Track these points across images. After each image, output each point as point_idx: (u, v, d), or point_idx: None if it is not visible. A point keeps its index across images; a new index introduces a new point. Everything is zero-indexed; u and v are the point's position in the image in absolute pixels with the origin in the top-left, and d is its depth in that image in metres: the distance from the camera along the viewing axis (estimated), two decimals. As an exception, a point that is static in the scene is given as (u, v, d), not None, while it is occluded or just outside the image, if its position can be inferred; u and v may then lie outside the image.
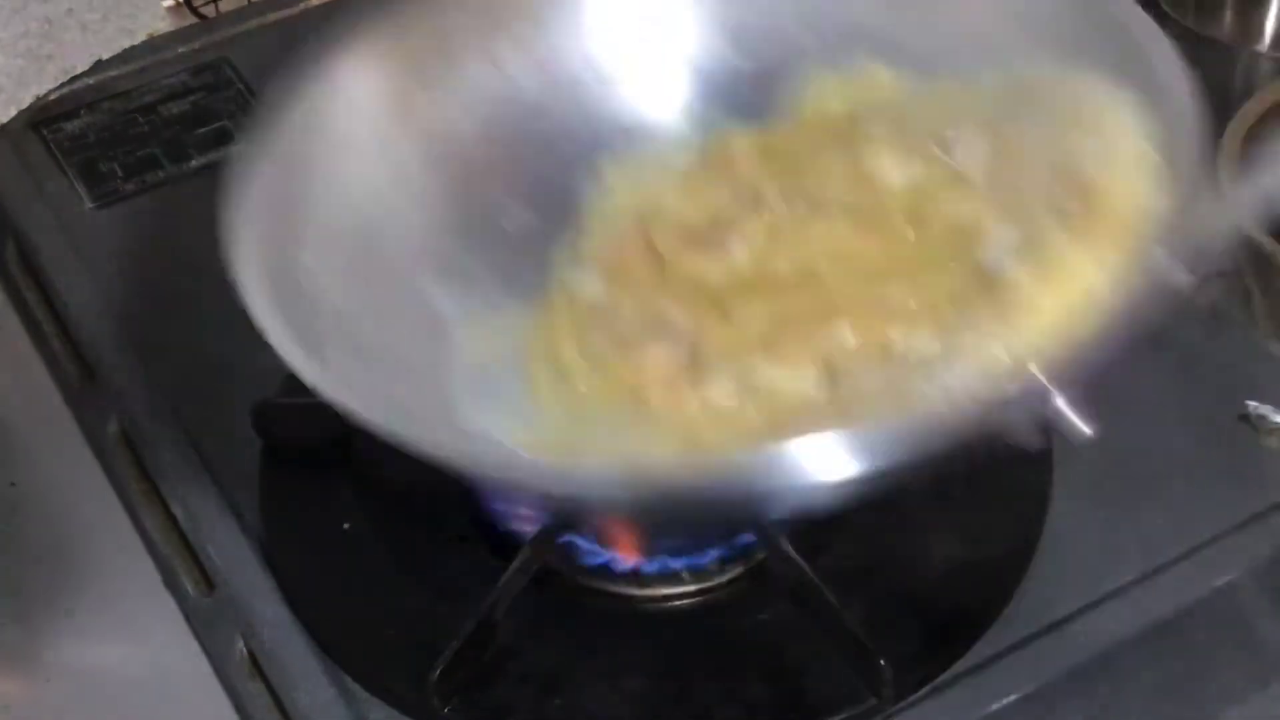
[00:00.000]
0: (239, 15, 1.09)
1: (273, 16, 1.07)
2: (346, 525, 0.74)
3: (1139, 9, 0.69)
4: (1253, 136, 0.83)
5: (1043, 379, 0.59)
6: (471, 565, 0.75)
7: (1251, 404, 0.81)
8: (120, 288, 0.90)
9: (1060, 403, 0.60)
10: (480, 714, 0.70)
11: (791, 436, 0.57)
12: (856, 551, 0.74)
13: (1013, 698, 0.71)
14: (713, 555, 0.74)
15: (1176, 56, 0.66)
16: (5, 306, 0.93)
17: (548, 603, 0.73)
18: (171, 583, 0.78)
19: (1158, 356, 0.66)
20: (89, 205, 0.95)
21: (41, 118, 1.00)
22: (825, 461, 0.57)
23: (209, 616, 0.76)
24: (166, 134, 0.99)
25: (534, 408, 0.69)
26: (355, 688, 0.72)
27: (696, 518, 0.70)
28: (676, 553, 0.73)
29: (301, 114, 0.70)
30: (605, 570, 0.74)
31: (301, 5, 1.08)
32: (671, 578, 0.74)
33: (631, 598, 0.74)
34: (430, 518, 0.76)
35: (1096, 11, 0.70)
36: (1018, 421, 0.61)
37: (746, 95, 0.78)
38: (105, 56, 1.04)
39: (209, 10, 1.12)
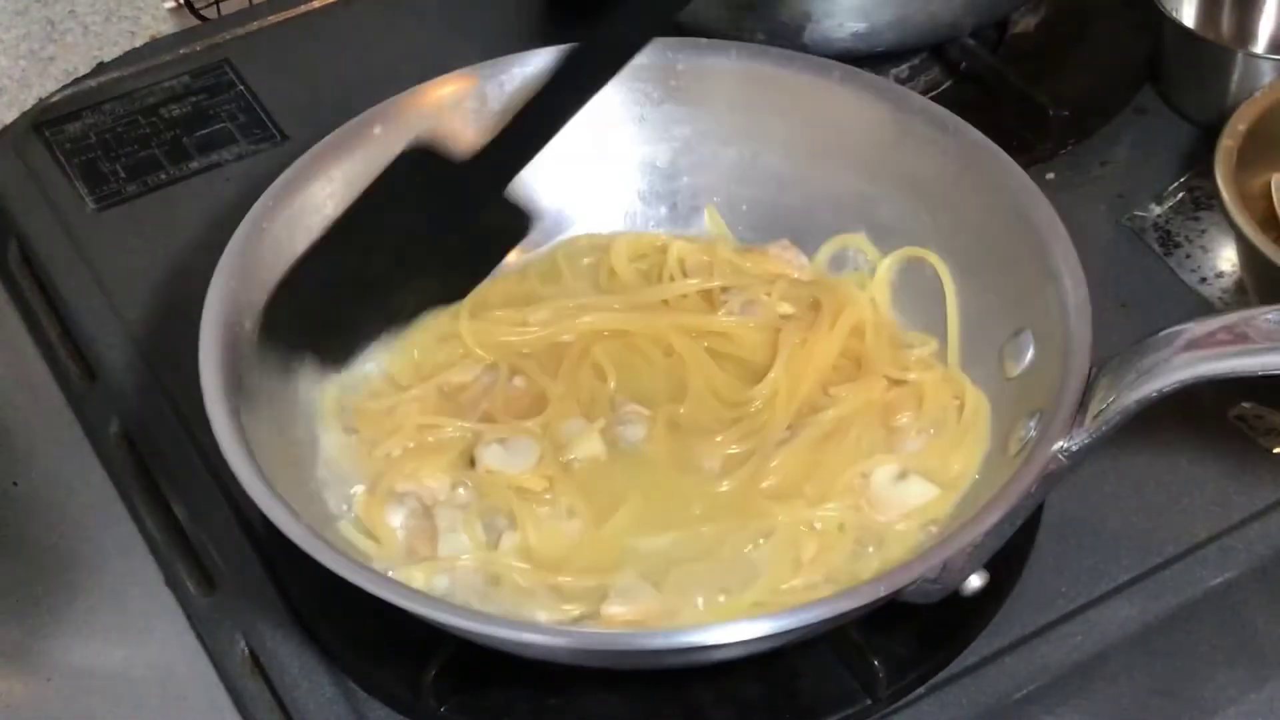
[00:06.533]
0: (240, 17, 1.09)
1: (274, 18, 1.08)
2: (346, 525, 0.74)
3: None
4: (1249, 138, 0.83)
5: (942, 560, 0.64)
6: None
7: (1247, 405, 0.81)
8: (122, 289, 0.90)
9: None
10: (477, 714, 0.70)
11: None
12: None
13: (1008, 699, 0.71)
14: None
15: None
16: (7, 307, 0.93)
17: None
18: (173, 582, 0.79)
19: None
20: (91, 206, 0.96)
21: (43, 119, 1.01)
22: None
23: (210, 616, 0.77)
24: (168, 135, 0.99)
25: None
26: (354, 687, 0.72)
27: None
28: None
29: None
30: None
31: (303, 7, 1.08)
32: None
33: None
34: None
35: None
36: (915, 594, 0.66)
37: None
38: (107, 58, 1.04)
39: (210, 12, 1.12)
